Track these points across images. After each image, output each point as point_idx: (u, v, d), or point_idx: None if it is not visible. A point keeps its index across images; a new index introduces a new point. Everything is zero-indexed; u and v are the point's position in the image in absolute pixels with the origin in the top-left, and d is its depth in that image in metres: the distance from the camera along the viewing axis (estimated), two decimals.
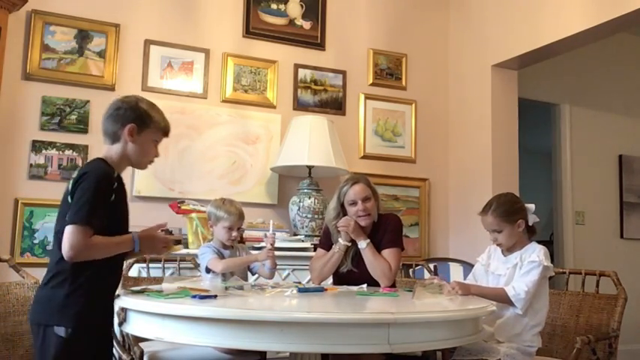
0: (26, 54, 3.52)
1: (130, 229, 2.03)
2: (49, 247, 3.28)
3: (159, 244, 2.06)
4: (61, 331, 1.81)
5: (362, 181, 2.71)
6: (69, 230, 1.79)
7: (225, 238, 2.69)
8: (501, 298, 2.36)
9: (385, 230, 2.70)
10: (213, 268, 2.58)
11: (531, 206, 2.50)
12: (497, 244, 2.50)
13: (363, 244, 2.64)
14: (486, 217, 2.47)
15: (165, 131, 2.09)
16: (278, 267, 2.85)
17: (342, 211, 2.72)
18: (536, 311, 2.39)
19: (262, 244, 2.77)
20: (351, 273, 2.70)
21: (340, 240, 2.69)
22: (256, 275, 2.75)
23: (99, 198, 1.85)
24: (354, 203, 2.66)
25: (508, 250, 2.49)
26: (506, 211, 2.44)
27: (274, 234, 2.68)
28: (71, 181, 1.89)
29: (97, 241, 1.84)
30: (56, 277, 1.86)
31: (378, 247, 2.67)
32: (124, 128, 1.97)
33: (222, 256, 2.67)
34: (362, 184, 2.69)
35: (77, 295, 1.84)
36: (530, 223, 2.48)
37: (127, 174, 3.57)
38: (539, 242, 2.50)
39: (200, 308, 1.70)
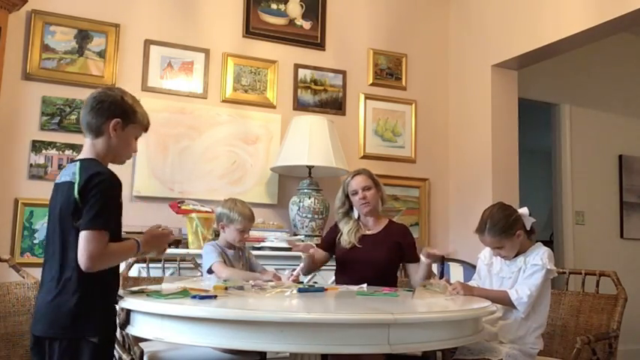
0: (26, 54, 3.52)
1: (128, 229, 2.01)
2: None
3: (163, 240, 2.04)
4: (95, 339, 1.78)
5: (363, 173, 2.93)
6: (87, 237, 1.72)
7: (236, 240, 2.72)
8: (504, 301, 2.34)
9: (408, 244, 2.90)
10: (218, 273, 2.58)
11: (525, 211, 2.46)
12: (502, 257, 2.46)
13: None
14: (484, 237, 2.42)
15: (146, 127, 2.03)
16: (277, 267, 2.87)
17: (348, 201, 2.95)
18: (538, 313, 2.38)
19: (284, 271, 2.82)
20: (355, 250, 2.83)
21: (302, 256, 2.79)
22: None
23: (114, 203, 1.83)
24: (355, 193, 2.88)
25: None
26: (502, 227, 2.37)
27: (299, 274, 2.71)
28: (76, 186, 1.78)
29: (113, 248, 1.81)
30: (69, 285, 1.77)
31: (398, 253, 2.87)
32: (109, 122, 1.90)
33: (226, 257, 2.68)
34: (363, 175, 2.91)
35: (98, 300, 1.82)
36: (528, 228, 2.44)
37: (126, 174, 3.61)
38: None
39: (200, 308, 1.70)
